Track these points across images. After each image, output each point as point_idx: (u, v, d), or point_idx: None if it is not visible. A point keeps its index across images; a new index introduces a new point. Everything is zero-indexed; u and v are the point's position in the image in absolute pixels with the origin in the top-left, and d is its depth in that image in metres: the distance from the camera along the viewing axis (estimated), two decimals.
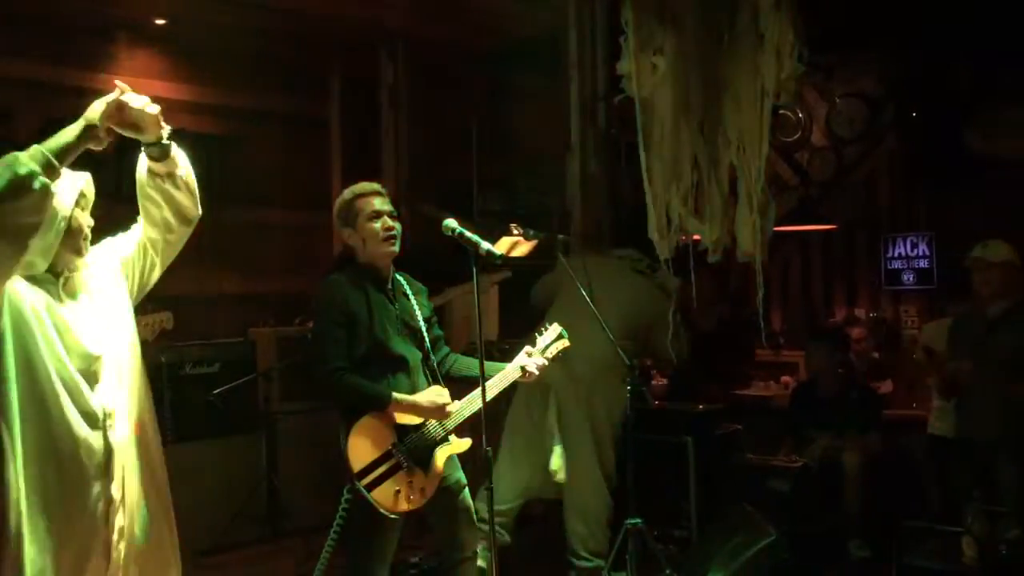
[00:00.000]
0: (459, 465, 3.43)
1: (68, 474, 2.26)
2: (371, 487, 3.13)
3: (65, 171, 2.25)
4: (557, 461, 4.29)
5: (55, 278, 2.33)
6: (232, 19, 5.75)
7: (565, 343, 3.57)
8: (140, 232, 2.52)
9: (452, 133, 6.73)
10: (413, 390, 3.28)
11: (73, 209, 2.31)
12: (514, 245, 5.02)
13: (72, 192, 2.31)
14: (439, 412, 3.27)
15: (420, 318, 3.39)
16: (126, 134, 2.35)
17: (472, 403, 3.33)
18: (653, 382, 6.03)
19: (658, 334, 4.39)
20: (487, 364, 3.37)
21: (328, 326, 3.22)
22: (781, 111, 6.34)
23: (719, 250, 3.98)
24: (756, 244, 3.81)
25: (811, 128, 6.95)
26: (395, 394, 3.21)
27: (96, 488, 2.30)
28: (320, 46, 6.51)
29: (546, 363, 3.49)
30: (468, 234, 3.02)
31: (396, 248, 3.33)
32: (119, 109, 2.28)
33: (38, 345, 2.23)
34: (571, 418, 4.31)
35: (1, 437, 2.20)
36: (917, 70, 6.15)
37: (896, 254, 6.68)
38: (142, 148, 2.44)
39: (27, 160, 2.10)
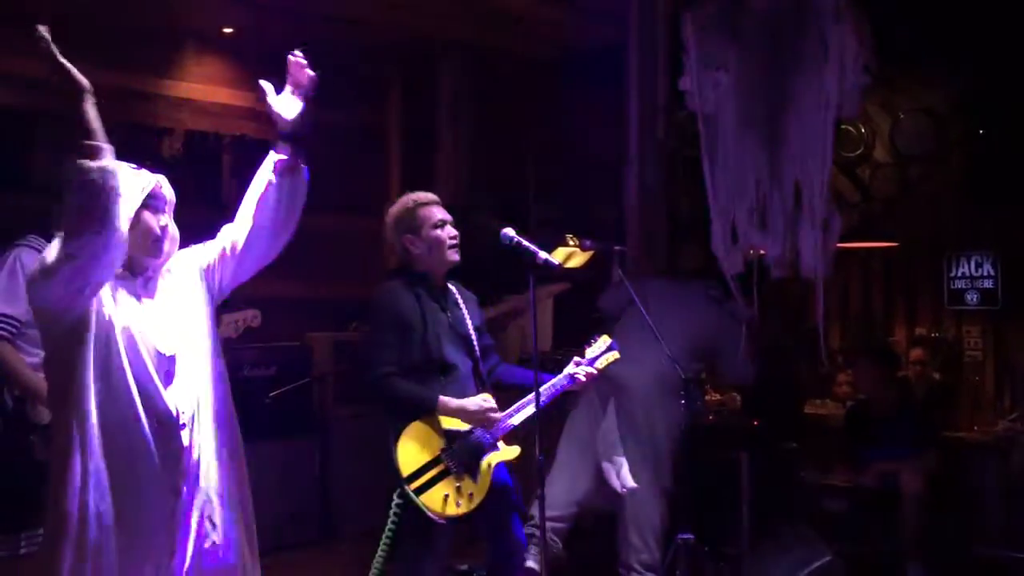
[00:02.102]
0: (507, 471, 3.43)
1: (137, 470, 2.30)
2: (420, 491, 3.16)
3: (132, 172, 2.30)
4: (625, 472, 4.29)
5: (134, 277, 2.39)
6: (295, 29, 5.84)
7: (615, 355, 3.56)
8: (226, 240, 2.57)
9: (510, 143, 6.75)
10: (462, 397, 3.31)
11: (141, 211, 2.35)
12: (570, 256, 5.02)
13: (138, 193, 2.34)
14: (487, 418, 3.30)
15: (471, 327, 3.42)
16: (278, 113, 2.49)
17: (522, 411, 3.37)
18: (708, 397, 5.98)
19: (727, 358, 4.38)
20: (529, 373, 3.40)
21: (381, 331, 3.29)
22: (843, 126, 6.26)
23: (782, 266, 3.95)
24: (818, 260, 3.76)
25: (874, 143, 6.84)
26: (442, 397, 3.24)
27: (166, 485, 2.33)
28: (380, 56, 6.58)
29: (595, 372, 3.48)
30: (525, 243, 3.04)
31: (458, 256, 3.40)
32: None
33: (116, 340, 2.29)
34: (632, 430, 4.30)
35: (71, 430, 2.25)
36: (985, 86, 6.03)
37: (959, 273, 6.53)
38: (274, 144, 2.54)
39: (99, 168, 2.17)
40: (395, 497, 3.18)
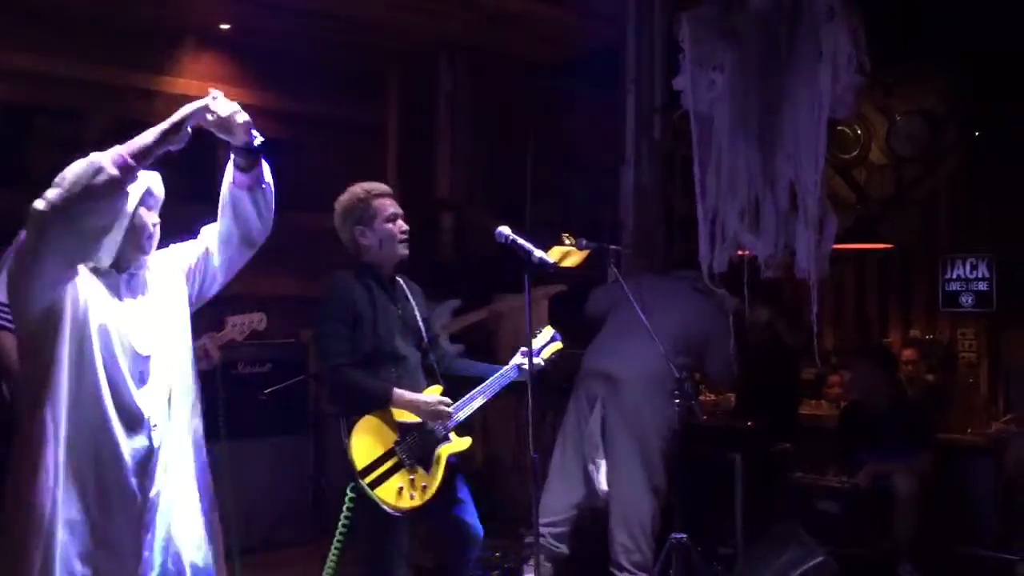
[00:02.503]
0: (461, 477, 3.47)
1: (106, 468, 2.27)
2: (374, 485, 3.17)
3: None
4: (603, 475, 4.30)
5: (118, 274, 2.37)
6: (294, 26, 5.85)
7: (558, 345, 3.60)
8: (206, 242, 2.56)
9: (507, 142, 6.76)
10: (413, 388, 3.33)
11: (138, 207, 2.35)
12: (566, 255, 5.03)
13: (137, 190, 2.35)
14: (439, 411, 3.32)
15: (420, 318, 3.45)
16: (216, 133, 2.42)
17: (472, 403, 3.43)
18: (701, 397, 5.99)
19: (713, 353, 4.38)
20: (484, 366, 3.55)
21: (333, 323, 3.29)
22: (839, 127, 6.27)
23: (773, 266, 3.96)
24: (811, 261, 3.77)
25: (870, 145, 6.85)
26: (396, 390, 3.26)
27: (134, 486, 2.31)
28: (379, 53, 6.58)
29: (542, 363, 3.50)
30: (521, 242, 3.04)
31: (408, 251, 3.41)
32: (207, 112, 2.34)
33: (91, 338, 2.26)
34: (618, 429, 4.30)
35: (45, 421, 2.22)
36: (981, 88, 6.04)
37: (954, 276, 6.53)
38: (231, 155, 2.49)
39: (105, 161, 2.15)
40: (348, 491, 3.19)
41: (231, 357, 5.22)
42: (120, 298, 2.36)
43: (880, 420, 5.05)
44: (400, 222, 3.41)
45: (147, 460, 2.32)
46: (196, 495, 2.45)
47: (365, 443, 3.22)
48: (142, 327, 2.37)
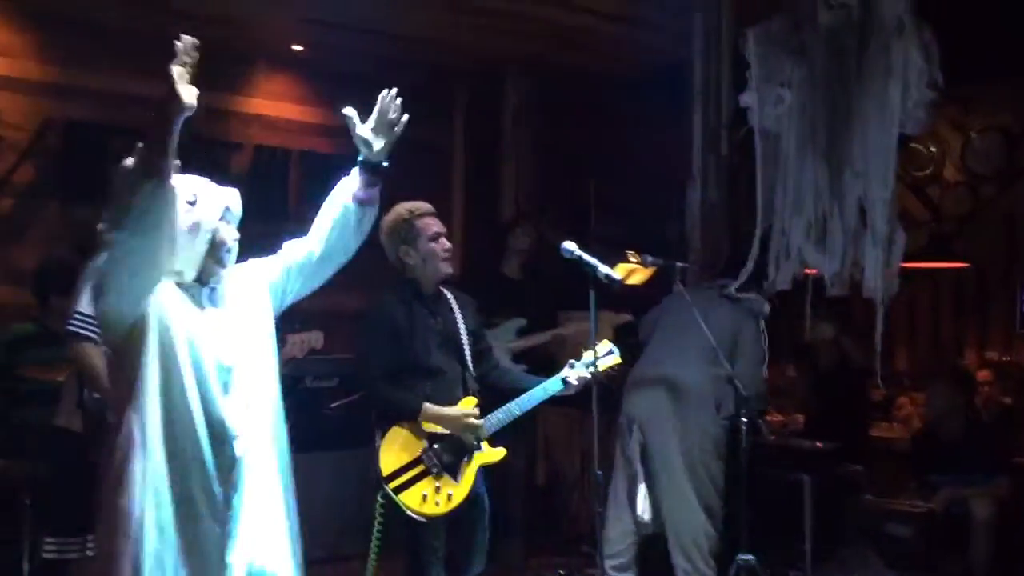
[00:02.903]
0: (485, 488, 3.53)
1: (192, 476, 2.32)
2: (399, 491, 3.29)
3: (211, 186, 2.41)
4: (640, 501, 4.25)
5: (200, 287, 2.44)
6: (363, 46, 5.95)
7: (615, 360, 3.59)
8: (290, 256, 2.61)
9: (573, 159, 6.77)
10: (448, 402, 3.41)
11: (219, 222, 2.42)
12: (631, 272, 5.00)
13: (218, 206, 2.42)
14: (467, 424, 3.39)
15: (464, 331, 3.51)
16: (369, 136, 2.55)
17: (508, 413, 3.48)
18: (769, 417, 5.90)
19: (741, 359, 4.26)
20: (535, 379, 3.59)
21: (371, 339, 3.43)
22: (913, 144, 6.15)
23: (839, 284, 3.90)
24: (878, 279, 3.70)
25: (944, 163, 6.71)
26: (426, 404, 3.35)
27: (219, 494, 2.35)
28: (446, 72, 6.66)
29: (589, 376, 3.47)
30: (587, 257, 3.05)
31: (451, 268, 3.53)
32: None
33: (177, 349, 2.32)
34: (663, 450, 4.24)
35: (133, 431, 2.28)
36: None
37: None
38: (358, 166, 2.59)
39: (130, 162, 2.20)
40: (379, 498, 3.32)
41: (299, 372, 5.31)
42: (203, 311, 2.42)
43: (955, 443, 4.93)
44: (443, 240, 3.50)
45: (232, 468, 2.37)
46: (280, 504, 2.49)
47: (393, 451, 3.34)
48: (225, 338, 2.42)
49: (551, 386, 3.52)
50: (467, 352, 3.50)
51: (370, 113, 2.69)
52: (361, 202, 2.58)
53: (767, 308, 4.30)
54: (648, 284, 5.18)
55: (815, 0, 3.99)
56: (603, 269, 3.03)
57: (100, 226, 2.21)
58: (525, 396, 3.52)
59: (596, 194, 6.78)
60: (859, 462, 5.08)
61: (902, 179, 5.88)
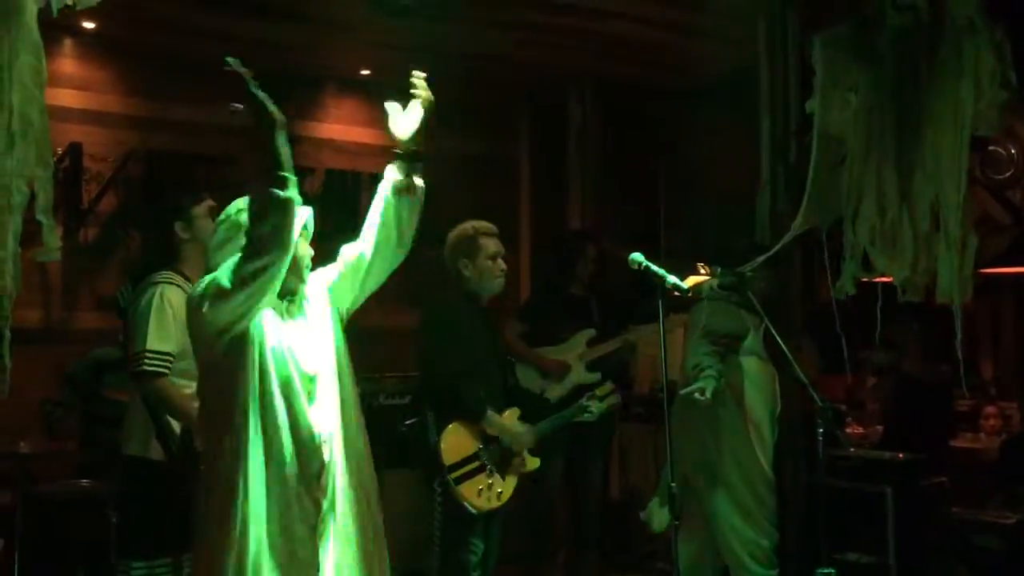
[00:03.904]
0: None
1: (286, 484, 2.41)
2: (459, 481, 3.54)
3: None
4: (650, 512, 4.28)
5: (281, 300, 2.53)
6: (427, 67, 6.02)
7: (615, 400, 4.33)
8: (346, 260, 2.68)
9: (640, 172, 6.76)
10: (495, 406, 3.70)
11: (299, 239, 2.50)
12: (701, 284, 4.96)
13: (297, 223, 2.48)
14: (521, 441, 3.73)
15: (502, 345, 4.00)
16: (397, 131, 2.63)
17: (549, 427, 3.91)
18: (848, 429, 5.78)
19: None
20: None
21: (441, 340, 3.68)
22: (991, 148, 5.98)
23: (912, 290, 3.80)
24: (955, 285, 3.61)
25: None
26: (490, 411, 3.64)
27: (310, 500, 2.44)
28: (509, 88, 6.72)
29: (605, 408, 4.12)
30: (654, 268, 3.06)
31: (502, 286, 3.81)
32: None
33: (269, 361, 2.42)
34: (701, 479, 4.21)
35: (232, 444, 2.38)
36: None
37: None
38: (393, 161, 2.67)
39: (275, 189, 2.32)
40: (436, 487, 3.57)
41: (372, 390, 5.39)
42: (285, 322, 2.51)
43: None
44: (500, 261, 3.77)
45: (320, 473, 2.46)
46: (366, 506, 2.57)
47: (454, 443, 3.59)
48: (307, 348, 2.52)
49: (570, 414, 4.06)
50: (504, 364, 3.93)
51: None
52: (399, 192, 2.64)
53: (727, 280, 4.24)
54: None
55: (882, 2, 3.92)
56: (671, 279, 3.03)
57: (247, 257, 2.30)
58: (559, 416, 3.99)
59: (664, 206, 6.75)
60: (943, 473, 4.93)
61: (982, 183, 5.72)
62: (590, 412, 4.04)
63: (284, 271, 2.37)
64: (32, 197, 2.66)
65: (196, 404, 3.13)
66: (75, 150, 5.49)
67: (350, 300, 2.69)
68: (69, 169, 5.52)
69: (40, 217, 2.71)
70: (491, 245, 3.76)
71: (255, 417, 2.38)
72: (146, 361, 3.25)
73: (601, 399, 4.12)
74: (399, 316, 6.36)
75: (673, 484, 3.02)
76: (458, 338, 3.63)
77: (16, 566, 4.12)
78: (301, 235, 2.52)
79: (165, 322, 3.26)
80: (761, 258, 4.20)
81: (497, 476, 3.65)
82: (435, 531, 3.61)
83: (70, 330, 5.46)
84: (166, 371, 3.27)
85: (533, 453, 3.81)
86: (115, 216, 5.69)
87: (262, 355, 2.40)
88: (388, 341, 4.97)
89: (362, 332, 4.51)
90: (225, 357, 2.40)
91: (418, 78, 2.64)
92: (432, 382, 3.73)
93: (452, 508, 3.58)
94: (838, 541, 3.78)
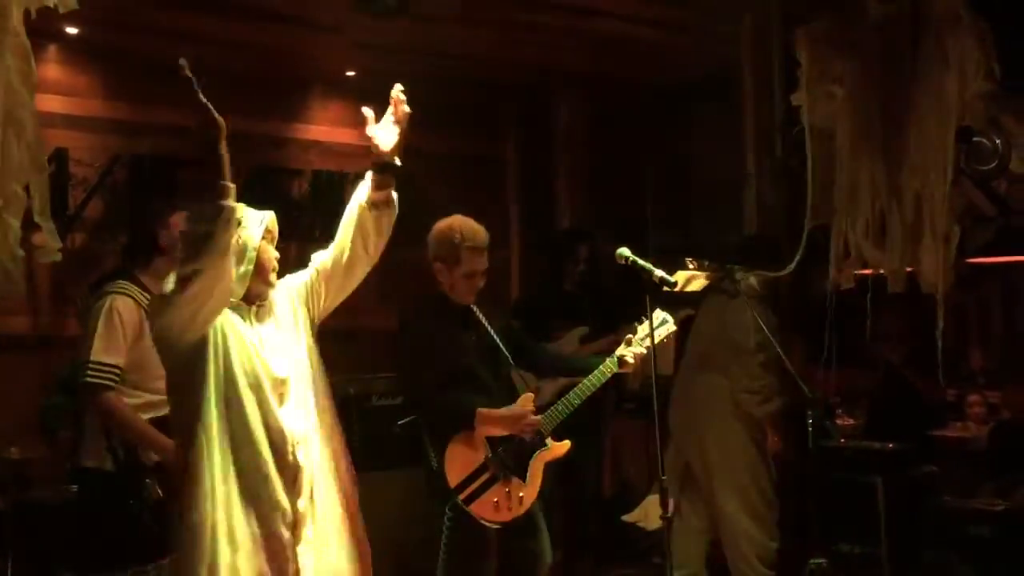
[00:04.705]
0: (539, 502, 3.45)
1: (259, 487, 2.42)
2: (470, 501, 3.25)
3: (250, 210, 2.52)
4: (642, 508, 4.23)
5: (248, 306, 2.53)
6: (412, 67, 6.03)
7: (670, 329, 3.53)
8: (318, 268, 2.68)
9: (626, 170, 6.77)
10: (493, 406, 3.37)
11: (262, 243, 2.51)
12: (691, 279, 4.97)
13: (259, 227, 2.53)
14: (528, 423, 3.34)
15: (496, 335, 3.48)
16: (376, 144, 2.56)
17: (568, 405, 3.42)
18: (839, 421, 5.80)
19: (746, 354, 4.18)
20: (586, 360, 3.59)
21: (416, 350, 3.40)
22: (975, 138, 6.02)
23: (900, 281, 3.83)
24: (939, 274, 3.63)
25: (1010, 155, 6.53)
26: (480, 410, 3.31)
27: (285, 501, 2.44)
28: (495, 87, 6.71)
29: (644, 352, 3.44)
30: (641, 262, 3.05)
31: (473, 298, 3.49)
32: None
33: (236, 366, 2.42)
34: (705, 472, 4.21)
35: (201, 448, 2.37)
36: None
37: None
38: (369, 173, 2.62)
39: (221, 201, 2.30)
40: (447, 511, 3.27)
41: (365, 391, 5.38)
42: (253, 327, 2.51)
43: None
44: (477, 279, 3.46)
45: (295, 476, 2.46)
46: (342, 506, 2.57)
47: (457, 461, 3.30)
48: (276, 352, 2.52)
49: (607, 367, 3.48)
50: (507, 353, 3.48)
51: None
52: (375, 204, 2.60)
53: (753, 281, 4.21)
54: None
55: None
56: (658, 273, 3.03)
57: (184, 267, 2.28)
58: (583, 383, 3.47)
59: (652, 202, 6.76)
60: (934, 462, 4.96)
61: (967, 173, 5.75)
62: (625, 361, 3.49)
63: (224, 277, 2.33)
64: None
65: (144, 417, 3.15)
66: (60, 156, 5.45)
67: (320, 306, 2.68)
68: (55, 175, 5.45)
69: (38, 220, 2.72)
70: (473, 262, 3.45)
71: (222, 421, 2.38)
72: (90, 373, 3.19)
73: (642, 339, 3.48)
74: (388, 317, 6.37)
75: (664, 478, 3.02)
76: (433, 347, 3.37)
77: (8, 572, 4.10)
78: (265, 239, 2.53)
79: (113, 333, 3.20)
80: (793, 262, 4.15)
81: (516, 480, 3.33)
82: (440, 558, 3.34)
83: (58, 336, 5.43)
84: (111, 384, 3.20)
85: (559, 436, 3.47)
86: (102, 221, 5.66)
87: (228, 359, 2.40)
88: (378, 342, 4.97)
89: (353, 333, 4.53)
90: (186, 363, 2.39)
91: (398, 91, 2.58)
92: (415, 399, 3.50)
93: (459, 535, 3.30)
94: (829, 531, 3.79)
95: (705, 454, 4.22)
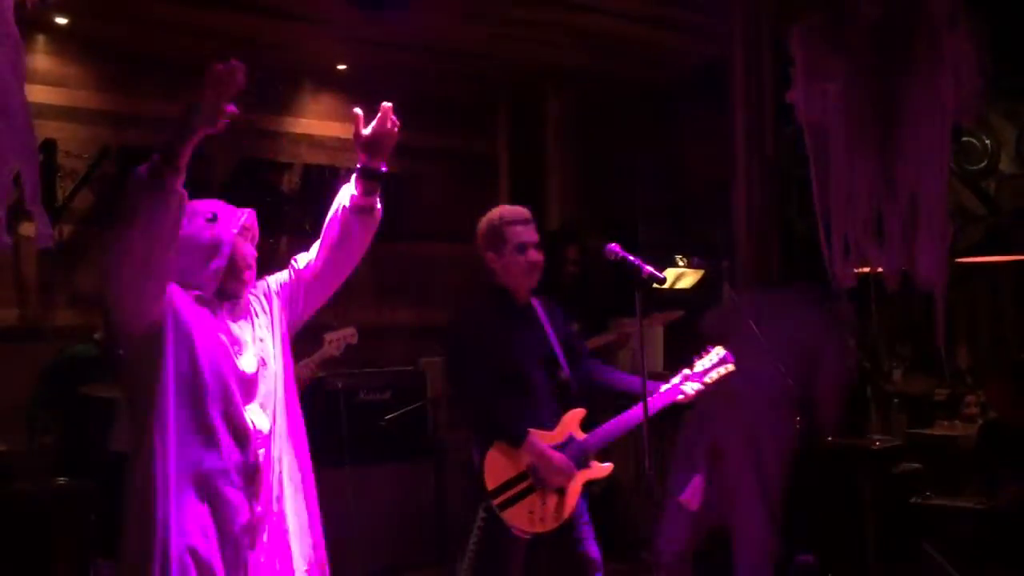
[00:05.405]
0: (585, 505, 3.36)
1: (216, 484, 2.37)
2: (504, 507, 3.14)
3: (226, 207, 2.48)
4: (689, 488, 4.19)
5: (221, 302, 2.49)
6: (405, 62, 6.03)
7: (728, 368, 3.42)
8: (300, 269, 2.65)
9: (617, 166, 6.78)
10: (540, 413, 3.27)
11: (236, 240, 2.47)
12: (680, 276, 4.99)
13: (235, 223, 2.48)
14: (561, 478, 3.20)
15: (556, 341, 3.38)
16: (362, 150, 2.51)
17: (610, 435, 3.30)
18: None
19: (823, 365, 4.18)
20: (634, 381, 3.34)
21: (467, 351, 3.27)
22: (966, 138, 6.04)
23: (896, 279, 3.84)
24: (940, 273, 3.64)
25: (999, 155, 6.57)
26: (531, 434, 3.18)
27: (243, 500, 2.40)
28: (488, 84, 6.71)
29: (702, 388, 3.36)
30: (631, 258, 3.04)
31: (536, 280, 3.36)
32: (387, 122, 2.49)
33: (199, 360, 2.37)
34: (733, 448, 4.20)
35: (155, 441, 2.31)
36: None
37: None
38: (354, 175, 2.57)
39: (142, 170, 2.22)
40: (480, 511, 3.18)
41: (353, 385, 5.38)
42: (224, 323, 2.47)
43: (1022, 438, 4.80)
44: (531, 252, 3.33)
45: (255, 474, 2.42)
46: (304, 508, 2.54)
47: (497, 464, 3.18)
48: (246, 349, 2.48)
49: (663, 397, 3.32)
50: (563, 363, 3.36)
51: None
52: (360, 210, 2.56)
53: (851, 315, 4.19)
54: (698, 287, 5.16)
55: None
56: (647, 269, 3.01)
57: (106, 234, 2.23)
58: (628, 415, 3.31)
59: (642, 200, 6.77)
60: (919, 460, 4.98)
61: (956, 173, 5.77)
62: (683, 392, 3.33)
63: (149, 261, 2.22)
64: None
65: None
66: (49, 147, 5.42)
67: (299, 309, 2.64)
68: (43, 166, 5.45)
69: (29, 207, 2.71)
70: (519, 234, 3.31)
71: (178, 414, 2.32)
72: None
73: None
74: (379, 312, 6.37)
75: (651, 472, 3.02)
76: (483, 347, 3.22)
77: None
78: (243, 236, 2.50)
79: None
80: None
81: (552, 493, 3.20)
82: (468, 553, 3.20)
83: (46, 328, 5.40)
84: None
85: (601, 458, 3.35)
86: (90, 213, 5.64)
87: (191, 354, 2.35)
88: (365, 337, 4.95)
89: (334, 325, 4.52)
90: (143, 350, 2.34)
91: (385, 110, 2.51)
92: (464, 401, 3.34)
93: (490, 538, 3.19)
94: (814, 528, 3.80)
95: (757, 449, 4.20)
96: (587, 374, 3.48)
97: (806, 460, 3.90)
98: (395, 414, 5.22)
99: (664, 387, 3.36)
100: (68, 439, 4.47)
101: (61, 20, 5.37)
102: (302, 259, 2.66)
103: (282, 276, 2.67)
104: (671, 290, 4.21)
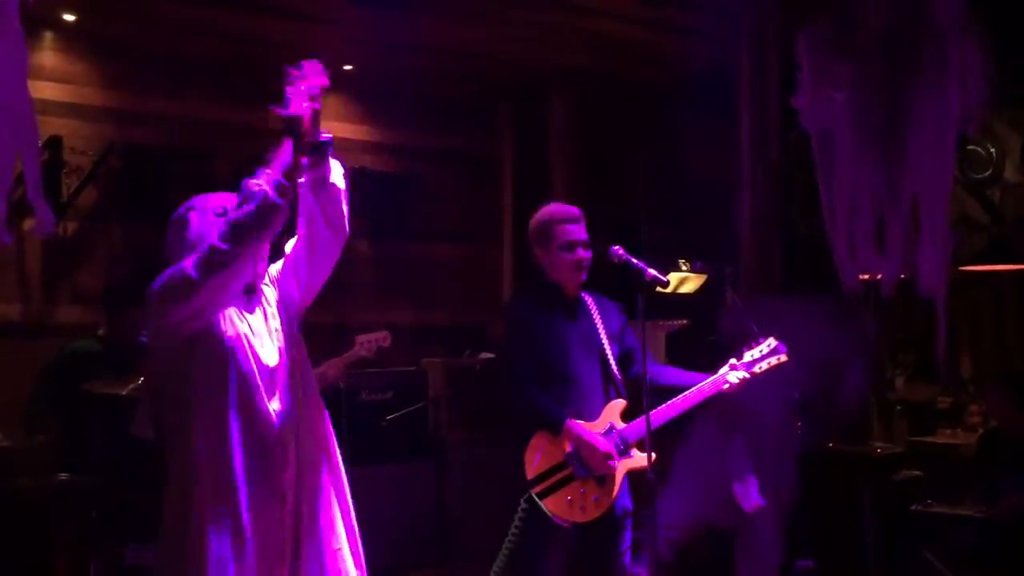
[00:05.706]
0: (630, 523, 3.37)
1: (250, 478, 2.39)
2: (544, 495, 3.17)
3: (235, 200, 2.48)
4: (755, 491, 4.19)
5: (241, 294, 2.51)
6: (410, 63, 6.04)
7: (781, 359, 3.42)
8: (291, 256, 2.67)
9: (621, 168, 6.78)
10: (585, 406, 3.31)
11: None
12: (683, 280, 4.98)
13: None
14: (600, 463, 3.22)
15: (604, 336, 3.41)
16: (287, 133, 2.55)
17: (646, 423, 3.24)
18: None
19: (845, 379, 4.20)
20: (685, 374, 3.44)
21: (514, 344, 3.36)
22: (971, 147, 6.04)
23: (893, 286, 3.84)
24: (941, 279, 3.64)
25: (1004, 164, 6.56)
26: (569, 421, 3.22)
27: (272, 494, 2.43)
28: (492, 85, 6.72)
29: (748, 377, 3.37)
30: (634, 261, 3.05)
31: (584, 277, 3.41)
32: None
33: (226, 355, 2.41)
34: (751, 455, 4.21)
35: (191, 437, 2.37)
36: None
37: None
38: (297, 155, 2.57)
39: (271, 192, 2.35)
40: (522, 501, 3.19)
41: (354, 385, 5.38)
42: (243, 316, 2.50)
43: (1021, 447, 4.80)
44: (578, 251, 3.38)
45: (282, 468, 2.44)
46: (332, 500, 2.56)
47: (538, 452, 3.22)
48: (265, 341, 2.51)
49: (708, 386, 3.37)
50: (610, 357, 3.40)
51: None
52: (315, 183, 2.56)
53: (873, 327, 4.18)
54: (701, 291, 5.15)
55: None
56: (650, 271, 3.02)
57: (217, 245, 2.34)
58: (672, 403, 3.34)
59: (646, 203, 6.76)
60: (920, 468, 4.98)
61: (960, 181, 5.76)
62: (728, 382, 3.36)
63: (243, 271, 2.39)
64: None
65: None
66: (55, 143, 5.44)
67: (298, 294, 2.66)
68: (49, 162, 5.47)
69: (30, 197, 2.72)
70: (566, 233, 3.37)
71: (208, 410, 2.37)
72: None
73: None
74: (380, 311, 6.37)
75: (652, 475, 3.02)
76: (528, 338, 3.31)
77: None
78: None
79: None
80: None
81: (592, 482, 3.22)
82: (508, 544, 3.21)
83: (49, 324, 5.41)
84: None
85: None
86: (95, 209, 5.65)
87: (220, 350, 2.40)
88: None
89: (344, 328, 4.53)
90: (186, 351, 2.39)
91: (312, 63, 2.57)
92: (505, 386, 3.38)
93: (531, 528, 3.20)
94: (815, 533, 3.80)
95: (773, 451, 4.21)
96: (637, 371, 3.47)
97: (807, 466, 3.90)
98: (396, 414, 5.23)
99: (709, 379, 3.39)
100: (69, 435, 4.47)
101: (68, 17, 5.39)
102: (290, 244, 2.69)
103: (278, 266, 2.70)
104: (673, 294, 4.20)
